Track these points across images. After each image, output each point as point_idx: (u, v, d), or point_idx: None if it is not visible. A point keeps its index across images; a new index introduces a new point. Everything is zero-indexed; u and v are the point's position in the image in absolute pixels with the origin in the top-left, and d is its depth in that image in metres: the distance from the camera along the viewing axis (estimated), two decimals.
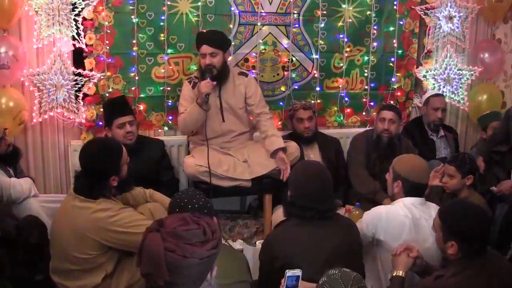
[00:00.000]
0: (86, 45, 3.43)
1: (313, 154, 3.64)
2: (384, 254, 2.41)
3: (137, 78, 3.63)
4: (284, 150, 3.31)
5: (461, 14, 4.11)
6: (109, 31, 3.50)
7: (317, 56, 3.98)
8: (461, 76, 4.21)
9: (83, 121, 3.52)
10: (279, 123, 4.03)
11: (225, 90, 3.36)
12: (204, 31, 3.50)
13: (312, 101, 3.98)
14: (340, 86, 4.09)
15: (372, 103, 4.19)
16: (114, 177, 2.37)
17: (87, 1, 3.35)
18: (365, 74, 4.14)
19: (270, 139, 3.33)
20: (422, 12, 4.08)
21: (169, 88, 3.71)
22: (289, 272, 1.98)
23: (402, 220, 2.40)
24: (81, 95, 3.46)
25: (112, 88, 3.59)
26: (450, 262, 2.07)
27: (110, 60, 3.54)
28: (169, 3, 3.59)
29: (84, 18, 3.38)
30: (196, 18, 3.66)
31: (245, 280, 2.19)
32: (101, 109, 3.55)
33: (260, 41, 3.83)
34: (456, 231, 2.00)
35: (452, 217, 2.04)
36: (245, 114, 3.49)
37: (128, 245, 2.31)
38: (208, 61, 3.24)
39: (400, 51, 4.16)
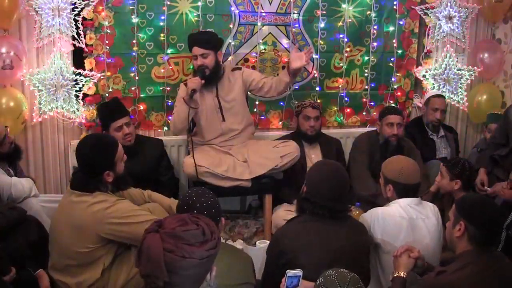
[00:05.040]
0: (86, 45, 3.44)
1: (315, 154, 3.64)
2: (383, 256, 2.41)
3: (137, 78, 3.64)
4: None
5: (461, 14, 4.11)
6: (109, 31, 3.51)
7: (317, 56, 3.98)
8: (460, 76, 4.21)
9: (83, 121, 3.52)
10: (279, 123, 4.04)
11: (222, 89, 3.38)
12: (195, 32, 3.52)
13: (307, 100, 3.98)
14: (340, 86, 4.10)
15: (372, 103, 4.19)
16: (109, 172, 2.37)
17: (87, 1, 3.35)
18: (365, 74, 4.14)
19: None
20: (422, 12, 4.08)
21: (169, 88, 3.71)
22: (290, 272, 1.98)
23: (398, 222, 2.40)
24: (81, 95, 3.47)
25: (112, 88, 3.60)
26: (455, 257, 2.07)
27: (110, 60, 3.55)
28: (169, 3, 3.59)
29: (84, 18, 3.39)
30: (196, 18, 3.66)
31: (249, 282, 2.17)
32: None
33: (260, 41, 3.84)
34: (466, 209, 2.02)
35: (466, 199, 2.11)
36: (244, 110, 3.50)
37: (126, 237, 2.32)
38: (200, 62, 3.27)
39: (400, 51, 4.16)
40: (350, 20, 3.98)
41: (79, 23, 3.37)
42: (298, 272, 1.99)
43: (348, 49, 4.04)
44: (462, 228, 2.01)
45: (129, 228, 2.28)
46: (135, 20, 3.55)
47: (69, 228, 2.32)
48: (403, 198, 2.46)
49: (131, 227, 2.26)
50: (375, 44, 4.08)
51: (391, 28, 4.10)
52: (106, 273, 2.35)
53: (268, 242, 2.75)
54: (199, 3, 3.64)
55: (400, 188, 2.46)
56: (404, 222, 2.39)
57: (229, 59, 3.79)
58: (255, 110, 3.94)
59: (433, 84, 4.18)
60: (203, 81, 3.22)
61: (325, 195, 2.23)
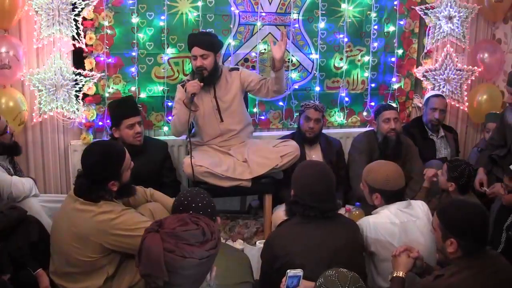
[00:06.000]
0: (86, 45, 3.44)
1: (315, 155, 3.64)
2: (380, 264, 2.40)
3: (137, 78, 3.64)
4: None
5: (461, 14, 4.11)
6: (109, 31, 3.51)
7: (317, 56, 3.98)
8: (461, 76, 4.21)
9: (83, 121, 3.52)
10: (279, 123, 4.04)
11: (219, 90, 3.39)
12: (196, 32, 3.52)
13: (312, 101, 3.98)
14: (340, 86, 4.10)
15: (372, 103, 4.19)
16: (114, 182, 2.35)
17: (87, 1, 3.35)
18: (366, 74, 4.14)
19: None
20: (422, 12, 4.08)
21: (169, 88, 3.71)
22: (290, 272, 1.97)
23: (390, 228, 2.38)
24: (81, 95, 3.46)
25: (112, 88, 3.60)
26: (449, 262, 2.07)
27: (110, 60, 3.55)
28: (169, 3, 3.59)
29: (84, 18, 3.38)
30: (196, 18, 3.66)
31: (247, 281, 2.18)
32: (101, 109, 3.57)
33: (260, 41, 3.84)
34: (454, 227, 2.00)
35: (450, 213, 2.05)
36: (242, 110, 3.50)
37: (130, 248, 2.29)
38: (199, 63, 3.26)
39: (400, 51, 4.16)
40: (350, 20, 3.98)
41: (79, 23, 3.36)
42: (299, 272, 1.99)
43: (348, 49, 4.04)
44: (454, 244, 1.99)
45: (133, 241, 2.22)
46: (135, 20, 3.54)
47: (71, 236, 2.29)
48: (391, 204, 2.45)
49: (136, 240, 2.21)
50: (375, 44, 4.08)
51: (392, 28, 4.10)
52: (108, 281, 2.34)
53: None
54: (199, 3, 3.63)
55: (388, 196, 2.45)
56: (395, 228, 2.38)
57: (229, 59, 3.79)
58: (255, 110, 3.94)
59: (433, 84, 4.18)
60: (202, 84, 3.22)
61: (315, 195, 2.23)
